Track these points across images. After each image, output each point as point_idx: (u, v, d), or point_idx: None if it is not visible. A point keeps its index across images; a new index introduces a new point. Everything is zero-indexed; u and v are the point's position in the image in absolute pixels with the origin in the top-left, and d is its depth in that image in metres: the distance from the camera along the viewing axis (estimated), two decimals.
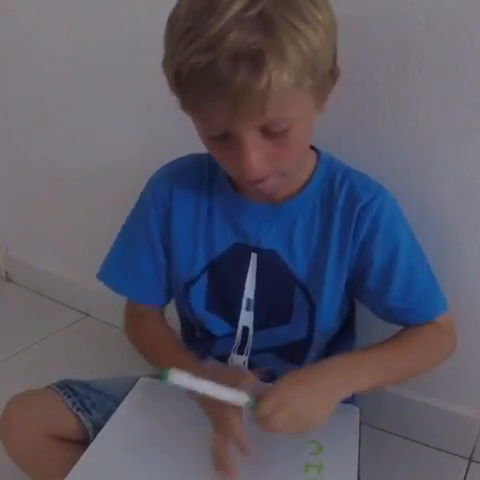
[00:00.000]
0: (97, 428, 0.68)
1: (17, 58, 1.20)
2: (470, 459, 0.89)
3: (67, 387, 0.74)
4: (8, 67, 1.22)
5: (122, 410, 0.68)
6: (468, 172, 0.76)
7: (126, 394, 0.71)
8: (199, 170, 0.73)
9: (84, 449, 0.62)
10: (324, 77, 0.56)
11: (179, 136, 0.87)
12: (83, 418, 0.72)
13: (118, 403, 0.69)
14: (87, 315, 1.34)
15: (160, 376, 0.52)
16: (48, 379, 0.77)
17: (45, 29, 1.11)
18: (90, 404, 0.73)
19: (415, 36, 0.72)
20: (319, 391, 0.57)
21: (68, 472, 0.58)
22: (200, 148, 0.62)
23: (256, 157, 0.55)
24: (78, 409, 0.72)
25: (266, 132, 0.55)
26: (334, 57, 0.58)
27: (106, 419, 0.67)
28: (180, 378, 0.52)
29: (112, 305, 1.21)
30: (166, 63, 0.53)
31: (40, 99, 1.19)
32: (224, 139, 0.55)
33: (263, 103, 0.50)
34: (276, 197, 0.68)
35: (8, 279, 1.51)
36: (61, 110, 1.16)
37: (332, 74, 0.59)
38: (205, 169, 0.72)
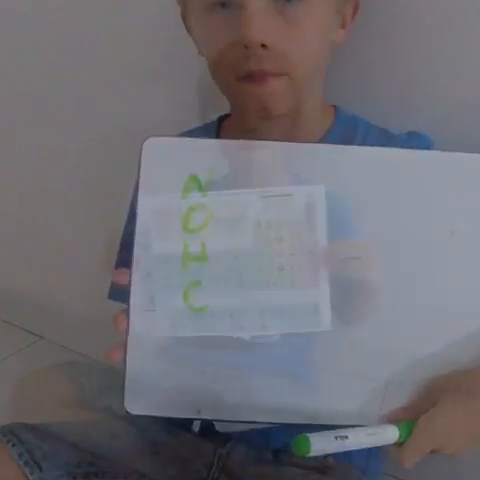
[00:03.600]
0: None
1: None
2: None
3: (12, 433, 0.61)
4: None
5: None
6: None
7: (88, 440, 0.61)
8: (206, 131, 0.73)
9: None
10: None
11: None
12: (31, 478, 0.59)
13: (79, 451, 0.58)
14: (41, 338, 1.27)
15: (296, 447, 0.43)
16: None
17: None
18: (41, 456, 0.60)
19: (415, 36, 0.71)
20: None
21: None
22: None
23: (259, 17, 0.54)
24: (26, 463, 0.59)
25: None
26: None
27: (62, 477, 0.56)
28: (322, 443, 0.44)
29: (68, 327, 1.16)
30: None
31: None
32: (226, 7, 0.56)
33: None
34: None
35: None
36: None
37: None
38: (214, 127, 0.73)
